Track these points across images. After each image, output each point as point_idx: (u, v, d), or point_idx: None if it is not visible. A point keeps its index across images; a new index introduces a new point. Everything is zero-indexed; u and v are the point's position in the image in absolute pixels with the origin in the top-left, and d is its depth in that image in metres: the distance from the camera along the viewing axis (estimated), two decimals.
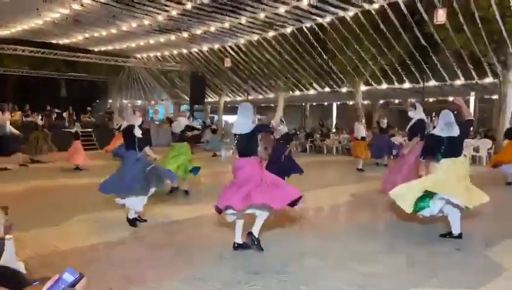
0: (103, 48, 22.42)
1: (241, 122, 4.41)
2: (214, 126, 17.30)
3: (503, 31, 12.36)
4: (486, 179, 9.26)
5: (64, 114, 21.08)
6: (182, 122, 7.60)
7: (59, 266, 3.62)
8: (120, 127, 10.25)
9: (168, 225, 5.65)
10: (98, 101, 31.12)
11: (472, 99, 18.68)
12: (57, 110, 21.21)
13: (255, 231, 4.40)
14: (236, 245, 4.46)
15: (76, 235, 5.06)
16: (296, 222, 6.03)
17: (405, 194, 4.81)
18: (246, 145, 4.39)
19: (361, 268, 3.96)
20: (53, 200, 7.31)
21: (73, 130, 12.21)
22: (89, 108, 24.19)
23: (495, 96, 15.94)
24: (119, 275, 3.75)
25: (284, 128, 7.73)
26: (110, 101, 30.20)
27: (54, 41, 20.72)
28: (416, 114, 6.67)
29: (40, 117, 15.12)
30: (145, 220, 5.61)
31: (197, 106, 25.08)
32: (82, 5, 13.86)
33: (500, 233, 5.26)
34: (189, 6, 13.99)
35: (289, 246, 4.65)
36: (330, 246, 4.71)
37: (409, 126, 6.80)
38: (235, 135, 4.48)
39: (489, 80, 14.97)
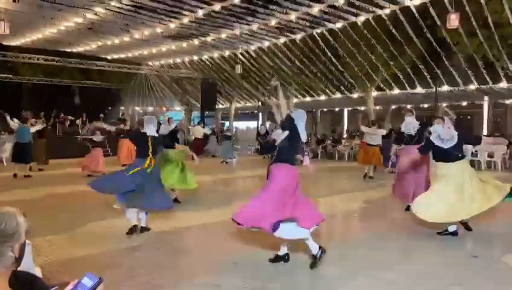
0: (116, 56, 22.75)
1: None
2: (229, 132, 17.27)
3: None
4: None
5: (78, 121, 21.35)
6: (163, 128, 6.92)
7: (75, 272, 3.64)
8: (126, 131, 9.78)
9: (181, 231, 5.66)
10: (110, 108, 31.48)
11: (486, 104, 18.45)
12: (70, 117, 21.50)
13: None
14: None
15: (91, 241, 5.09)
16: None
17: (427, 205, 5.00)
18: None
19: (379, 276, 3.91)
20: (67, 206, 7.37)
21: (98, 139, 11.68)
22: (101, 115, 24.47)
23: (509, 101, 15.72)
24: (135, 281, 3.76)
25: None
26: (122, 108, 30.53)
27: (68, 50, 21.09)
28: (414, 119, 6.73)
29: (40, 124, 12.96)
30: (149, 229, 5.44)
31: (208, 112, 25.20)
32: (96, 14, 14.09)
33: None
34: (200, 14, 14.13)
35: (304, 254, 4.61)
36: (346, 253, 4.66)
37: (404, 128, 6.81)
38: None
39: (503, 84, 14.77)
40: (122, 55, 22.63)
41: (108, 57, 22.92)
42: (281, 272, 3.99)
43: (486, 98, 17.47)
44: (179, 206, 6.93)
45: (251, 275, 3.91)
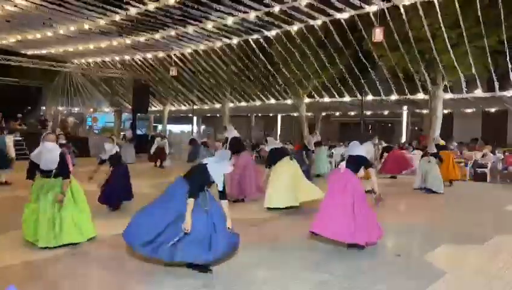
0: (37, 52, 21.11)
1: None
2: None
3: (434, 50, 13.38)
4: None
5: None
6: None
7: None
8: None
9: (108, 239, 5.32)
10: (29, 107, 29.08)
11: (405, 113, 19.99)
12: None
13: None
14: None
15: (11, 251, 4.62)
16: (244, 233, 6.00)
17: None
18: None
19: (312, 277, 4.00)
20: None
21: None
22: (19, 115, 22.52)
23: (425, 111, 17.15)
24: None
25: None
26: (43, 108, 28.37)
27: None
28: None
29: None
30: None
31: (140, 114, 24.33)
32: (16, 6, 12.97)
33: (438, 238, 5.60)
34: (133, 12, 13.62)
35: (239, 258, 4.59)
36: (281, 256, 4.72)
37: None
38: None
39: (420, 95, 16.09)
40: (44, 51, 21.06)
41: (29, 52, 21.19)
42: (215, 278, 3.92)
43: (405, 107, 18.92)
44: (105, 215, 6.56)
45: (183, 283, 3.79)
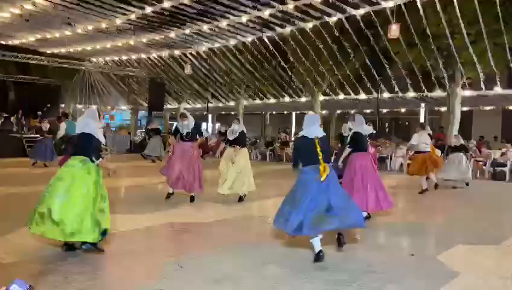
0: (56, 51, 21.54)
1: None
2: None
3: (452, 47, 13.12)
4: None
5: (12, 118, 19.95)
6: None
7: (6, 280, 3.35)
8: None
9: (121, 234, 5.41)
10: (49, 105, 29.69)
11: (422, 110, 19.68)
12: (5, 115, 20.04)
13: None
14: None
15: (25, 247, 4.73)
16: (256, 231, 6.02)
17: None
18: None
19: (323, 276, 3.99)
20: None
21: None
22: (39, 112, 23.04)
23: (443, 109, 16.86)
24: (72, 288, 3.54)
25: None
26: (62, 105, 28.93)
27: (3, 42, 19.64)
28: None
29: None
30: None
31: (156, 112, 24.59)
32: (34, 5, 13.25)
33: (451, 239, 5.50)
34: (149, 10, 13.77)
35: (250, 255, 4.60)
36: (291, 254, 4.72)
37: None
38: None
39: (438, 92, 15.82)
40: (63, 50, 21.47)
41: (48, 51, 21.63)
42: (226, 274, 3.95)
43: (423, 105, 18.62)
44: (119, 209, 6.66)
45: (195, 279, 3.83)
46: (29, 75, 25.62)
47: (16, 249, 4.61)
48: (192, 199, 7.54)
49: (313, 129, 4.41)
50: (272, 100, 21.61)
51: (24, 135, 18.27)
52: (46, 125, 13.61)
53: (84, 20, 15.36)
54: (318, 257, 4.26)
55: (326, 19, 14.20)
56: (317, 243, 4.27)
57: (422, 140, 9.10)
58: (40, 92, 24.79)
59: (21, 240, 5.02)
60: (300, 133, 4.56)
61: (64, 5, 13.35)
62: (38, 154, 13.31)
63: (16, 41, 19.40)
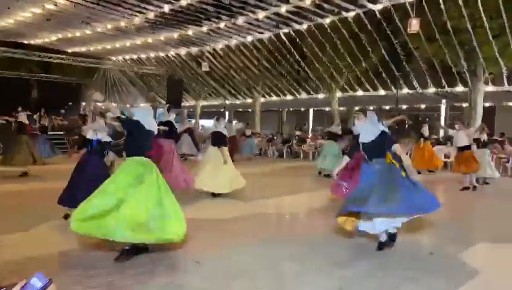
0: (77, 49, 21.95)
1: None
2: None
3: (474, 41, 12.81)
4: (455, 184, 9.55)
5: (35, 116, 20.43)
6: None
7: (28, 273, 3.45)
8: None
9: None
10: (71, 103, 30.33)
11: (443, 107, 19.27)
12: (28, 113, 20.53)
13: None
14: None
15: (48, 241, 4.87)
16: (272, 227, 6.03)
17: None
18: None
19: (339, 272, 3.97)
20: (21, 204, 7.03)
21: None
22: (62, 110, 23.58)
23: (465, 104, 16.48)
24: (93, 282, 3.63)
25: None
26: (83, 103, 29.51)
27: (26, 42, 20.13)
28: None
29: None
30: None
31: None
32: (55, 5, 13.53)
33: (472, 236, 5.40)
34: (166, 9, 13.88)
35: (267, 252, 4.62)
36: (307, 251, 4.71)
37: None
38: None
39: (459, 88, 15.48)
40: (84, 49, 21.86)
41: (69, 50, 22.07)
42: (243, 270, 3.97)
43: (444, 101, 18.24)
44: None
45: (212, 274, 3.87)
46: (50, 74, 26.24)
47: (36, 244, 4.75)
48: None
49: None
50: (289, 97, 21.54)
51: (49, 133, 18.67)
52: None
53: (104, 19, 15.60)
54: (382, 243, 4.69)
55: (344, 14, 14.05)
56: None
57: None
58: (61, 90, 25.34)
59: (44, 234, 5.17)
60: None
61: (84, 5, 13.58)
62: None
63: (38, 41, 19.84)
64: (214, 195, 7.68)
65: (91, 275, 3.77)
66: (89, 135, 5.61)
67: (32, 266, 3.97)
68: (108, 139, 5.66)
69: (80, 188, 5.16)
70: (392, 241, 4.72)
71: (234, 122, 29.36)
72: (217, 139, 7.73)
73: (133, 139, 4.32)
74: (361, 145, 4.62)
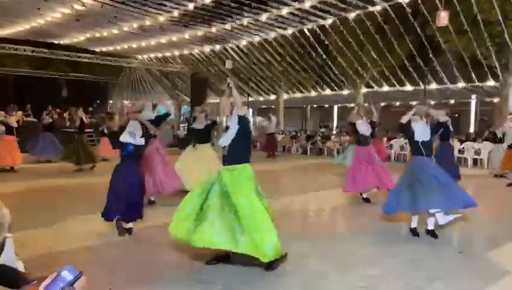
0: (104, 49, 22.43)
1: None
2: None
3: (505, 34, 12.33)
4: (486, 180, 9.23)
5: (65, 114, 21.05)
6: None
7: (55, 267, 3.55)
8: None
9: (163, 226, 5.55)
10: (99, 101, 31.13)
11: (473, 102, 18.62)
12: (58, 110, 21.19)
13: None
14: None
15: (73, 236, 5.00)
16: (297, 224, 6.00)
17: None
18: None
19: (365, 271, 3.91)
20: (48, 201, 7.25)
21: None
22: (90, 108, 24.21)
23: (496, 100, 15.89)
24: (116, 277, 3.71)
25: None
26: (110, 101, 30.19)
27: (55, 42, 20.72)
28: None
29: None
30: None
31: (197, 107, 25.02)
32: (84, 5, 13.86)
33: (503, 235, 5.21)
34: (190, 7, 13.99)
35: (291, 249, 4.59)
36: (333, 248, 4.66)
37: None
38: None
39: (490, 82, 14.93)
40: (111, 48, 22.32)
41: (97, 50, 22.59)
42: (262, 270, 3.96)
43: (474, 96, 17.63)
44: (161, 202, 6.85)
45: (235, 270, 3.87)
46: (79, 73, 26.97)
47: (64, 239, 4.88)
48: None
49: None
50: (313, 93, 21.33)
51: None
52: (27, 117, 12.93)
53: (130, 18, 15.87)
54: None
55: (370, 8, 13.78)
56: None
57: None
58: (90, 89, 26.01)
59: (70, 230, 5.31)
60: None
61: (111, 4, 13.85)
62: (38, 150, 12.32)
63: (67, 41, 20.39)
64: None
65: (114, 271, 3.85)
66: (125, 139, 5.02)
67: (59, 260, 4.08)
68: (142, 142, 5.07)
69: (120, 198, 4.88)
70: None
71: (258, 118, 29.26)
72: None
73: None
74: (419, 143, 5.06)
